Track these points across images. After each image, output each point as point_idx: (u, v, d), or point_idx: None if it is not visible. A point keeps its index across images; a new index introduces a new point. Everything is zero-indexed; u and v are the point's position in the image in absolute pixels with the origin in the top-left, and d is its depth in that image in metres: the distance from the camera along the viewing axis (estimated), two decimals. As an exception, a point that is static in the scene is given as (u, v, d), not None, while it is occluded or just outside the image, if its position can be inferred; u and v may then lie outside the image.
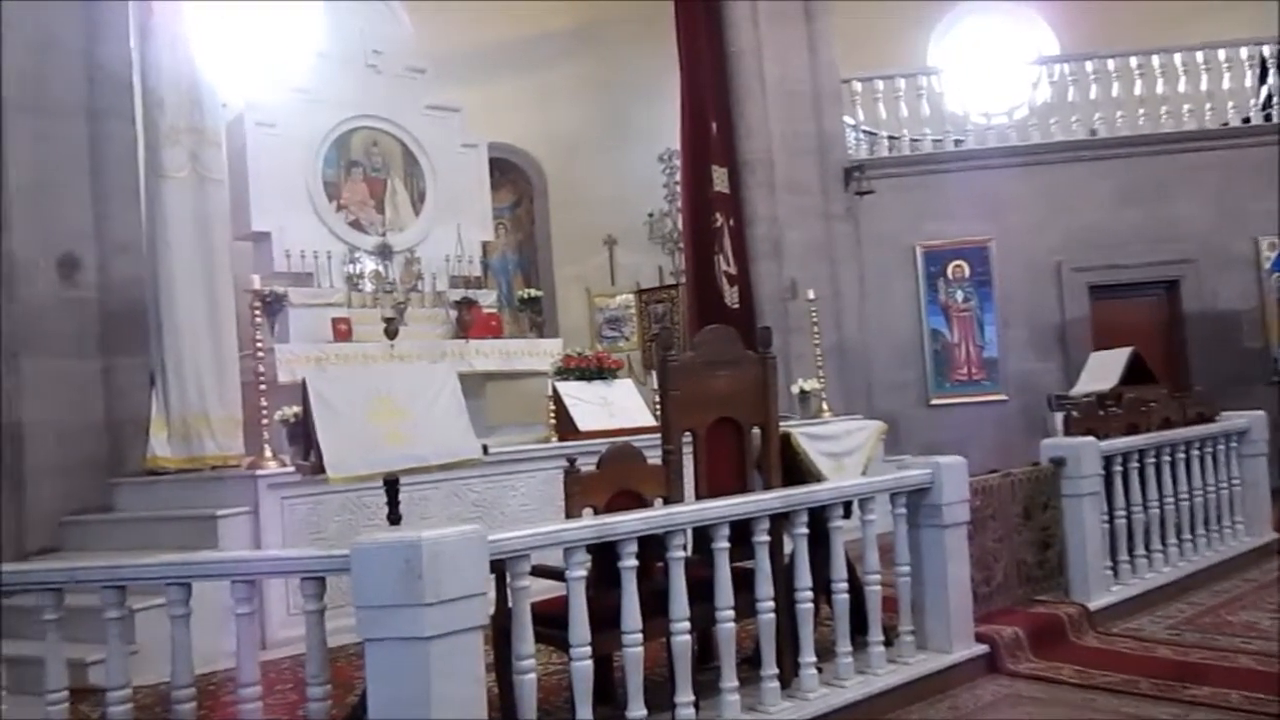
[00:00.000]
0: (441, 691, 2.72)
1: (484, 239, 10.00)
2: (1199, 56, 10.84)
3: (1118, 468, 5.61)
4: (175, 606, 3.15)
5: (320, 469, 3.69)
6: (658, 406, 8.28)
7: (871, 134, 11.25)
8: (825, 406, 9.20)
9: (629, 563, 3.40)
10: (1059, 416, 8.19)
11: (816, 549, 4.06)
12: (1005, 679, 4.46)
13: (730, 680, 3.65)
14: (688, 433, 4.05)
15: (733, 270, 9.75)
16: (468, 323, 8.82)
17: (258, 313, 6.84)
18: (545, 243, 12.42)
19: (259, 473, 6.03)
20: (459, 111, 9.81)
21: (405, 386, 3.97)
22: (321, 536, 6.02)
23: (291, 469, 5.81)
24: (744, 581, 3.80)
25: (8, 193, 6.53)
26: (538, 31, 11.43)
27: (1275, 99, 10.77)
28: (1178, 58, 10.83)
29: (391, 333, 8.04)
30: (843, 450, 4.58)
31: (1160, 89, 10.82)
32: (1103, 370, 8.26)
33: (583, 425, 7.49)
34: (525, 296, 10.12)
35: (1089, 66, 10.92)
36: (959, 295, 10.66)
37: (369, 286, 8.58)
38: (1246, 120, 10.87)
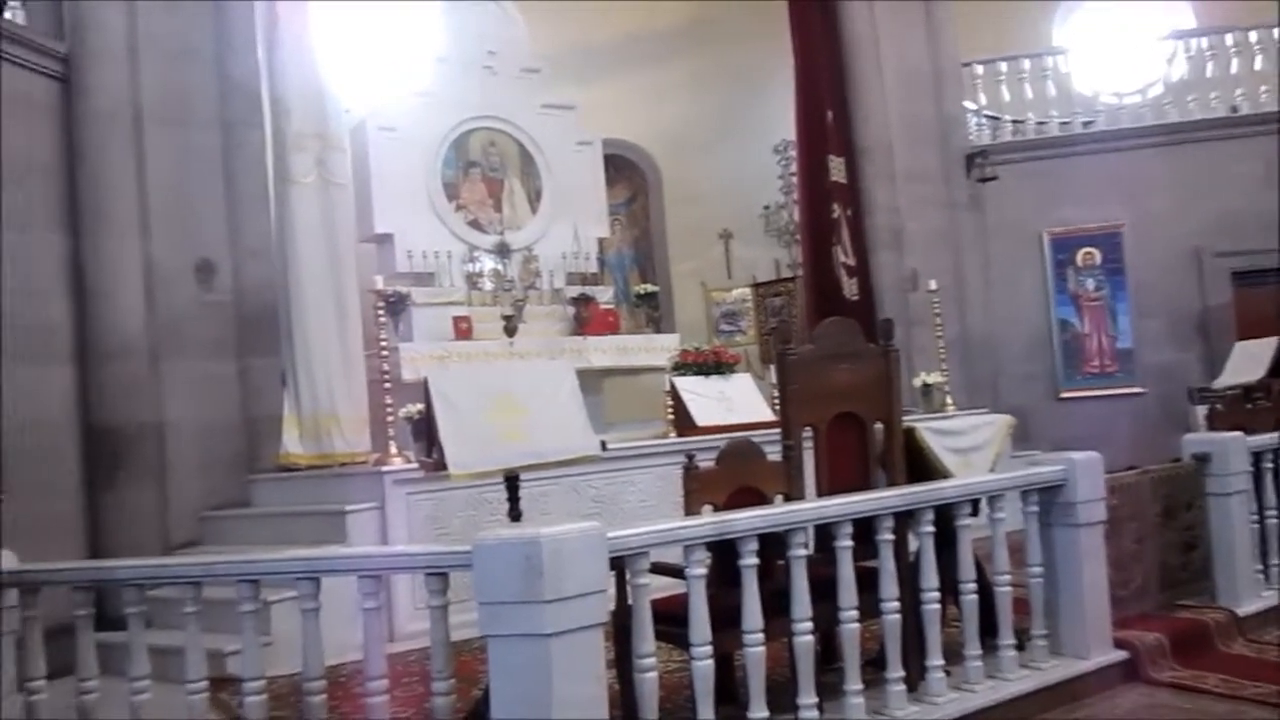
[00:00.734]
0: (563, 688, 2.72)
1: (600, 235, 10.04)
2: (1352, 24, 10.18)
3: (1267, 464, 5.28)
4: (305, 600, 3.24)
5: (443, 466, 3.74)
6: (776, 402, 8.24)
7: (994, 118, 10.90)
8: (949, 401, 8.96)
9: (749, 561, 3.35)
10: (1201, 410, 7.81)
11: (943, 548, 3.94)
12: (1145, 687, 4.25)
13: (854, 682, 3.57)
14: (808, 428, 3.98)
15: (851, 262, 9.56)
16: (585, 319, 8.88)
17: (382, 313, 7.02)
18: (661, 238, 12.42)
19: (385, 469, 6.18)
20: (573, 109, 9.87)
21: (525, 383, 4.00)
22: (445, 532, 6.13)
23: (416, 466, 5.93)
24: (867, 581, 3.72)
25: (149, 202, 6.84)
26: (649, 28, 11.41)
27: None
28: (1327, 27, 10.19)
29: (511, 330, 8.13)
30: (970, 446, 4.44)
31: (1308, 61, 10.20)
32: (1249, 361, 7.85)
33: (700, 421, 7.45)
34: (641, 292, 10.13)
35: (1229, 40, 10.36)
36: (1089, 284, 10.25)
37: (488, 285, 8.69)
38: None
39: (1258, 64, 10.27)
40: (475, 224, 9.11)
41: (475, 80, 9.29)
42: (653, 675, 3.11)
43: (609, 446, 4.28)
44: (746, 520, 3.38)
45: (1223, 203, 9.99)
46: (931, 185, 10.17)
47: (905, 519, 3.88)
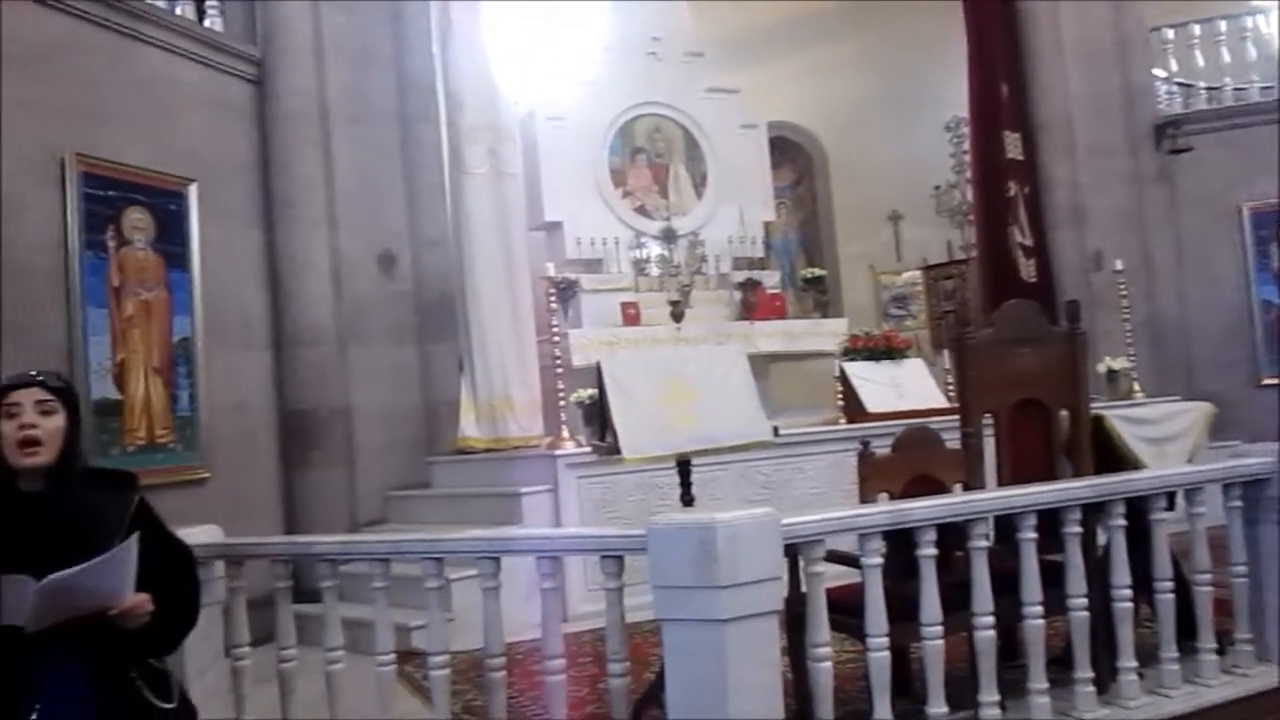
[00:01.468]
0: (738, 674, 2.71)
1: (766, 219, 9.95)
2: None
3: None
4: (486, 579, 3.33)
5: (616, 450, 3.79)
6: (950, 387, 8.02)
7: (1187, 85, 10.20)
8: (1136, 387, 8.49)
9: (927, 551, 3.26)
10: None
11: (1135, 543, 3.73)
12: (1363, 698, 3.92)
13: (1039, 681, 3.43)
14: (988, 415, 3.84)
15: (1029, 242, 9.17)
16: (751, 304, 8.83)
17: (553, 299, 7.17)
18: (827, 221, 12.22)
19: (557, 453, 6.33)
20: (738, 93, 9.80)
21: (696, 369, 4.00)
22: (616, 515, 6.23)
23: (588, 449, 6.04)
24: (1052, 576, 3.56)
25: (335, 196, 7.19)
26: (814, 7, 11.20)
27: None
28: None
29: (678, 315, 8.17)
30: (1164, 435, 4.19)
31: None
32: None
33: (871, 407, 7.31)
34: (808, 276, 9.99)
35: None
36: (1295, 260, 9.50)
37: (655, 270, 8.75)
38: None
39: None
40: (642, 210, 9.18)
41: (640, 67, 9.34)
42: (828, 665, 3.07)
43: (780, 432, 4.23)
44: (925, 509, 3.28)
45: None
46: (1116, 159, 9.62)
47: (1094, 511, 3.69)
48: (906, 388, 7.64)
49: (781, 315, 9.14)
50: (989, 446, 3.89)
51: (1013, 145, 9.24)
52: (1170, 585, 3.75)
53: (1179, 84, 10.18)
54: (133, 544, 2.32)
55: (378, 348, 7.37)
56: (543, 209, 8.61)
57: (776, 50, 11.20)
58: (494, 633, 3.32)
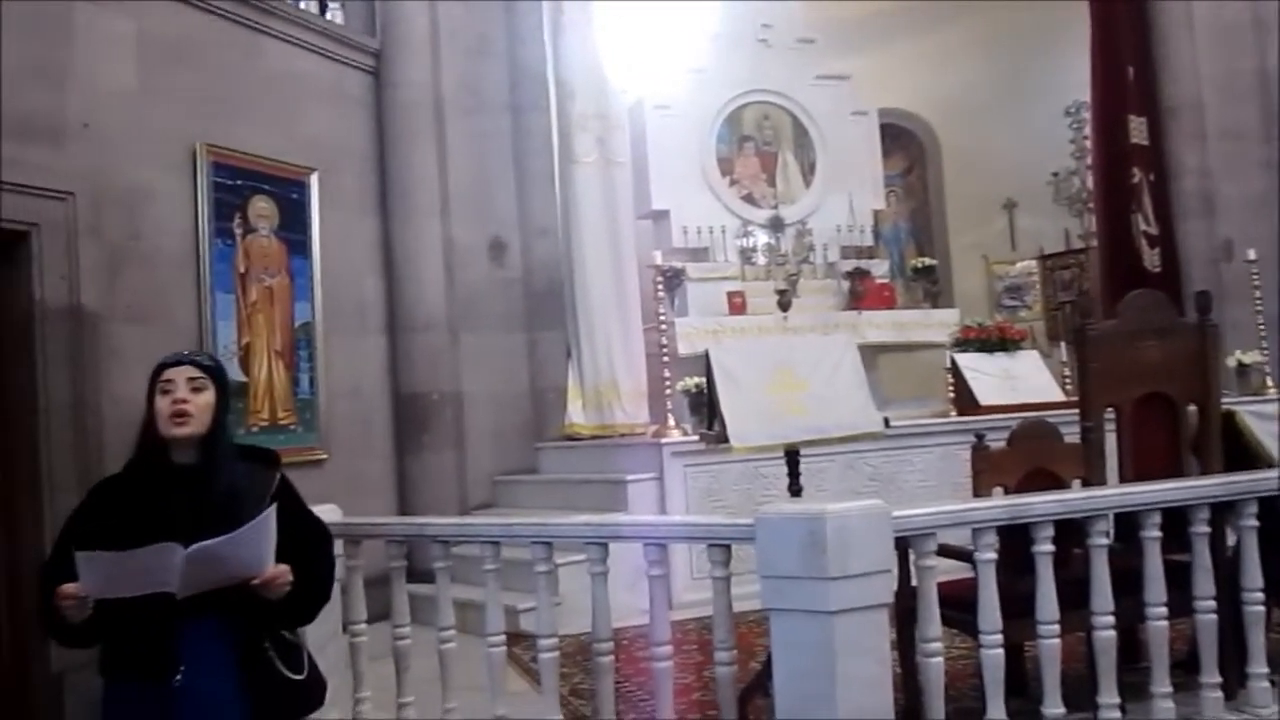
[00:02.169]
0: (846, 667, 2.68)
1: (875, 208, 9.81)
2: None
3: None
4: (595, 564, 3.37)
5: (724, 439, 3.79)
6: (1067, 380, 7.78)
7: (1328, 66, 9.66)
8: (1269, 382, 8.09)
9: (1044, 547, 3.17)
10: None
11: (1267, 545, 3.56)
12: None
13: (1162, 684, 3.31)
14: (1110, 409, 3.71)
15: (1153, 230, 8.81)
16: (860, 294, 8.71)
17: (659, 287, 7.19)
18: (939, 209, 11.95)
19: (663, 441, 6.34)
20: (848, 79, 9.67)
21: (805, 358, 3.97)
22: (722, 504, 6.22)
23: (693, 438, 6.05)
24: (1176, 576, 3.42)
25: (449, 185, 7.33)
26: (928, -9, 10.96)
27: None
28: None
29: (784, 305, 8.11)
30: (1300, 433, 3.99)
31: None
32: None
33: (984, 399, 7.13)
34: (919, 266, 9.80)
35: None
36: None
37: (762, 259, 8.70)
38: None
39: None
40: (749, 198, 9.13)
41: (748, 54, 9.28)
42: (938, 661, 3.01)
43: (890, 424, 4.17)
44: (1043, 504, 3.19)
45: None
46: (1250, 144, 9.17)
47: (1223, 510, 3.54)
48: (1020, 380, 7.43)
49: (890, 305, 9.00)
50: (1110, 441, 3.75)
51: (1137, 130, 8.89)
52: (1305, 589, 3.58)
53: (1319, 64, 9.65)
54: (271, 514, 2.41)
55: (488, 335, 7.51)
56: (650, 197, 8.63)
57: (889, 35, 10.97)
58: (602, 618, 3.35)
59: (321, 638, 4.09)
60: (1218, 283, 8.64)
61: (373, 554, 4.18)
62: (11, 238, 4.61)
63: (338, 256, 6.61)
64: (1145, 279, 8.36)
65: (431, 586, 3.76)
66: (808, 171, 9.41)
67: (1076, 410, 3.99)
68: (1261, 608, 3.50)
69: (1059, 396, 7.32)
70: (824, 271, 8.89)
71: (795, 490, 3.94)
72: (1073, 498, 3.32)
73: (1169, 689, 3.31)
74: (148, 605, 2.35)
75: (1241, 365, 8.03)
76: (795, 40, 9.46)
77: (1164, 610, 3.32)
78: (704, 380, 5.91)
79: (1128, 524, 3.42)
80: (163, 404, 2.54)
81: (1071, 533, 3.32)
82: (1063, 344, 8.72)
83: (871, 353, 8.54)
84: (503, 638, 3.60)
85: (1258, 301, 8.12)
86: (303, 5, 6.73)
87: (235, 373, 5.78)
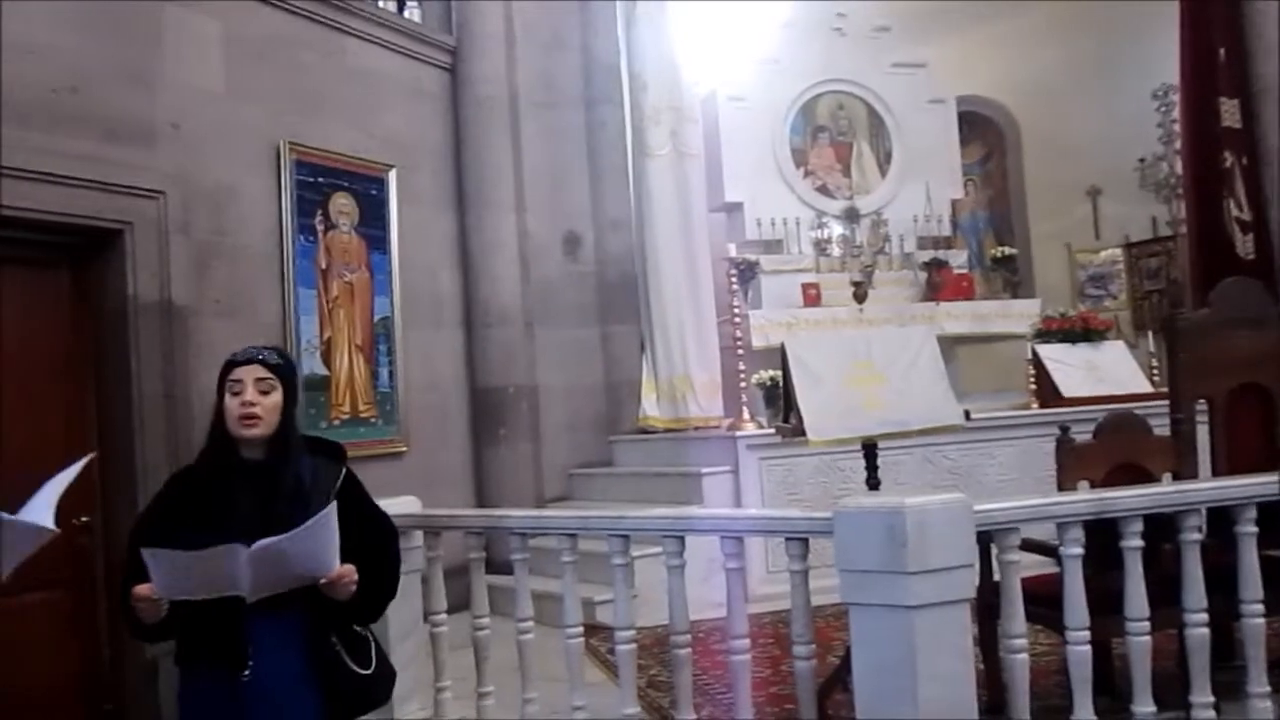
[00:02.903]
0: (927, 662, 2.65)
1: (953, 197, 9.63)
2: None
3: None
4: (671, 557, 3.37)
5: (800, 432, 3.76)
6: (1155, 371, 7.57)
7: None
8: (1369, 372, 7.77)
9: (1133, 543, 3.09)
10: None
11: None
12: None
13: (1259, 684, 3.20)
14: (1202, 401, 3.60)
15: (1246, 216, 8.49)
16: (937, 284, 8.57)
17: (733, 280, 7.16)
18: (1019, 198, 11.68)
19: (738, 434, 6.32)
20: (925, 67, 9.51)
21: (883, 350, 3.92)
22: (798, 498, 6.18)
23: (769, 431, 6.02)
24: (1274, 573, 3.31)
25: (523, 179, 7.39)
26: (1008, -25, 10.71)
27: None
28: None
29: (860, 296, 8.02)
30: (1405, 425, 3.82)
31: None
32: None
33: (1066, 391, 6.98)
34: (998, 255, 9.60)
35: None
36: None
37: (836, 251, 8.61)
38: None
39: None
40: (823, 189, 9.04)
41: (823, 43, 9.18)
42: (1023, 657, 2.96)
43: (971, 416, 4.10)
44: (1132, 498, 3.11)
45: None
46: (1352, 126, 8.81)
47: (1323, 505, 3.41)
48: (1105, 371, 7.25)
49: (969, 296, 8.83)
50: (1202, 434, 3.64)
51: (1229, 113, 8.57)
52: None
53: None
54: (331, 512, 2.40)
55: (562, 328, 7.57)
56: (723, 190, 8.59)
57: (967, 21, 10.73)
58: (679, 610, 3.35)
59: (404, 627, 4.17)
60: (1314, 270, 8.33)
61: (452, 545, 4.24)
62: (107, 236, 4.79)
63: (415, 251, 6.70)
64: (1237, 267, 8.07)
65: (509, 578, 3.79)
66: (883, 161, 9.29)
67: (1165, 402, 3.88)
68: (1365, 607, 3.37)
69: (1146, 388, 7.13)
70: (900, 262, 8.77)
71: (873, 484, 3.90)
72: (1163, 492, 3.23)
73: (1266, 689, 3.20)
74: (219, 603, 2.39)
75: (1340, 355, 7.74)
76: (871, 28, 9.34)
77: (1260, 608, 3.21)
78: (779, 373, 5.89)
79: (1222, 519, 3.32)
80: (232, 404, 2.56)
81: (1162, 528, 3.23)
82: (1150, 334, 8.49)
83: (949, 344, 8.41)
84: (580, 629, 3.62)
85: (1358, 290, 7.80)
86: (381, 4, 6.84)
87: (317, 366, 5.91)
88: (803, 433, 3.78)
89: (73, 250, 4.79)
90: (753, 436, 6.30)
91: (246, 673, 2.44)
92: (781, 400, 4.51)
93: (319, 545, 2.40)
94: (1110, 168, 10.68)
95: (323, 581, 2.44)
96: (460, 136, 7.18)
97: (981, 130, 11.56)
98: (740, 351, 6.92)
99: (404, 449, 6.42)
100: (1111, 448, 3.53)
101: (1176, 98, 9.28)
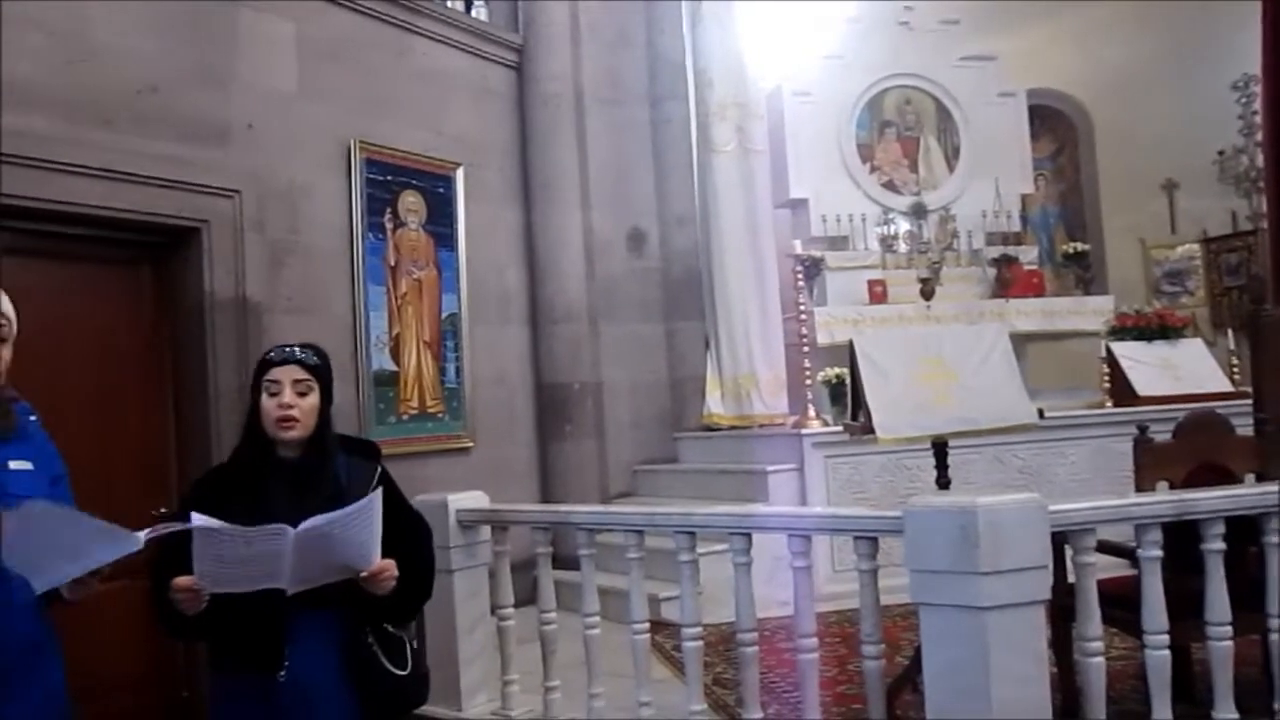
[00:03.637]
0: (1001, 664, 2.61)
1: (1023, 192, 9.47)
2: None
3: None
4: (738, 555, 3.36)
5: (869, 430, 3.72)
6: (1235, 370, 7.37)
7: None
8: None
9: (1215, 545, 3.01)
10: None
11: None
12: None
13: (1349, 693, 3.11)
14: (1287, 401, 3.50)
15: (1331, 210, 8.23)
16: (1007, 281, 8.42)
17: (799, 277, 7.11)
18: (1091, 192, 11.43)
19: (804, 432, 6.28)
20: (994, 60, 9.36)
21: (954, 347, 3.87)
22: (864, 496, 6.13)
23: (835, 428, 5.97)
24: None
25: (589, 176, 7.42)
26: (1079, -36, 10.48)
27: None
28: None
29: (927, 293, 7.91)
30: None
31: None
32: None
33: (1142, 390, 6.82)
34: (1070, 251, 9.41)
35: None
36: None
37: (903, 247, 8.51)
38: None
39: None
40: (890, 185, 8.94)
41: (889, 38, 9.08)
42: (1099, 661, 2.90)
43: (1045, 415, 4.02)
44: (1214, 500, 3.03)
45: None
46: None
47: None
48: (1183, 370, 7.07)
49: (1039, 292, 8.67)
50: (1287, 435, 3.54)
51: (1313, 104, 8.31)
52: None
53: None
54: (377, 497, 2.37)
55: (627, 324, 7.58)
56: (789, 186, 8.53)
57: (1037, 13, 10.51)
58: (745, 608, 3.35)
59: (471, 620, 4.23)
60: (1405, 266, 8.03)
61: (518, 540, 4.28)
62: (185, 234, 4.91)
63: (482, 248, 6.76)
64: (1322, 262, 7.84)
65: (576, 573, 3.82)
66: (951, 156, 9.16)
67: (1247, 402, 3.78)
68: None
69: (1226, 387, 6.94)
70: (968, 259, 8.63)
71: (944, 483, 3.85)
72: (1247, 493, 3.14)
73: (1355, 699, 3.11)
74: (258, 600, 2.34)
75: None
76: (938, 22, 9.21)
77: (1349, 614, 3.11)
78: (845, 370, 5.83)
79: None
80: (269, 405, 2.54)
81: (1245, 531, 3.14)
82: (1229, 332, 8.26)
83: (1019, 341, 8.25)
84: (646, 625, 3.63)
85: None
86: (449, 4, 6.90)
87: (386, 362, 5.99)
88: (871, 431, 3.74)
89: (154, 248, 4.93)
90: (818, 434, 6.25)
91: (282, 674, 2.42)
92: (848, 398, 4.47)
93: (363, 532, 2.36)
94: (1187, 161, 10.40)
95: (363, 575, 2.41)
96: (526, 134, 7.22)
97: (1052, 124, 11.34)
98: (805, 349, 6.87)
99: (470, 444, 6.49)
100: (1192, 447, 3.44)
101: (1258, 89, 9.02)
